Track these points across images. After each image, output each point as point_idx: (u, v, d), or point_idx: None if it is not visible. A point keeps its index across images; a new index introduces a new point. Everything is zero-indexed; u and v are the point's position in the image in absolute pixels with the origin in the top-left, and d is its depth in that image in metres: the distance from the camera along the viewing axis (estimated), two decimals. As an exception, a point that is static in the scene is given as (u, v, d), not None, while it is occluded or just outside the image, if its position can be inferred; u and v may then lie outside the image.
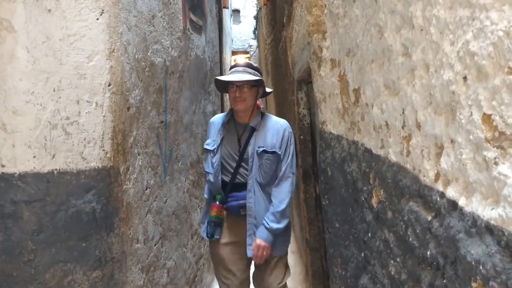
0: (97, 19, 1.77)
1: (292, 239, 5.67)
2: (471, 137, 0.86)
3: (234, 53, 16.12)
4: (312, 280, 3.69)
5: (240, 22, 18.19)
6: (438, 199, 1.04)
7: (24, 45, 1.64)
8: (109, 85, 1.82)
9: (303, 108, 3.72)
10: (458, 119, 0.91)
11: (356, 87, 1.75)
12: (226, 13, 9.25)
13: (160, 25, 2.57)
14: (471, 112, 0.86)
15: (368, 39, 1.55)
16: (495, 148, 0.79)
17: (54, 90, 1.69)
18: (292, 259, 5.17)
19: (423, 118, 1.11)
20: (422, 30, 1.09)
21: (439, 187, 1.04)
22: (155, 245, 2.42)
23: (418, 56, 1.12)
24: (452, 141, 0.96)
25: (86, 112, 1.76)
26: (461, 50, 0.88)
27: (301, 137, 3.78)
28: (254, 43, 16.04)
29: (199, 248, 3.82)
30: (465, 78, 0.88)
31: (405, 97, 1.24)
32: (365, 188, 1.71)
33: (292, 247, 5.51)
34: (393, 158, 1.38)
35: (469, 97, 0.86)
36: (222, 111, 6.59)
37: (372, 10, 1.48)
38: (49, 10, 1.68)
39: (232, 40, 15.58)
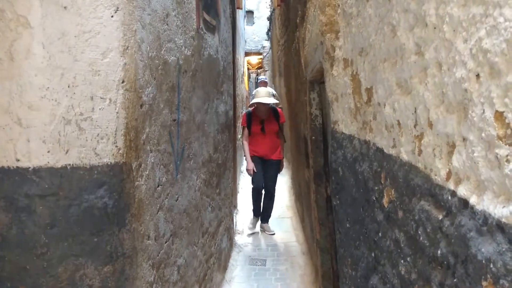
0: (112, 16, 1.79)
1: (302, 240, 5.68)
2: (483, 134, 0.86)
3: (247, 54, 16.19)
4: (322, 281, 3.67)
5: (253, 23, 18.24)
6: (449, 197, 1.04)
7: (40, 41, 1.66)
8: (123, 82, 1.84)
9: (315, 109, 3.72)
10: (470, 117, 0.91)
11: (369, 87, 1.75)
12: (240, 14, 9.27)
13: (173, 24, 2.59)
14: (483, 110, 0.85)
15: (381, 38, 1.55)
16: (507, 145, 0.78)
17: (68, 86, 1.71)
18: (302, 260, 5.17)
19: (435, 116, 1.11)
20: (435, 28, 1.09)
21: (451, 185, 1.04)
22: (165, 242, 2.44)
23: (431, 54, 1.12)
24: (464, 139, 0.96)
25: (99, 108, 1.77)
26: (474, 47, 0.88)
27: (313, 137, 3.78)
28: (267, 44, 16.08)
29: (209, 247, 3.84)
30: (477, 75, 0.88)
31: (417, 96, 1.23)
32: (376, 188, 1.70)
33: (302, 248, 5.51)
34: (404, 157, 1.37)
35: (482, 94, 0.86)
36: (234, 112, 6.51)
37: (385, 9, 1.48)
38: (65, 7, 1.70)
39: (246, 41, 15.63)
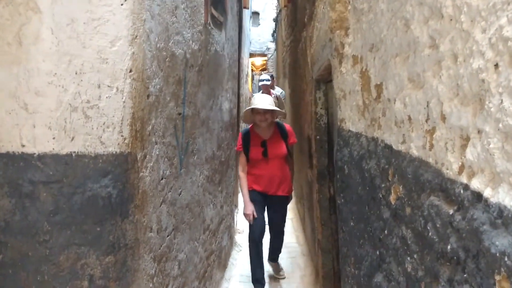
0: (122, 4, 1.78)
1: (302, 241, 5.65)
2: (500, 125, 0.84)
3: (251, 55, 16.19)
4: (323, 282, 3.65)
5: (259, 24, 18.26)
6: (462, 191, 1.02)
7: (49, 26, 1.65)
8: (131, 71, 1.83)
9: (321, 108, 3.70)
10: (487, 108, 0.89)
11: (379, 83, 1.73)
12: (246, 14, 9.26)
13: (182, 17, 2.58)
14: (502, 100, 0.84)
15: (393, 33, 1.53)
16: (526, 135, 0.77)
17: (76, 73, 1.70)
18: (302, 261, 5.15)
19: (449, 109, 1.09)
20: (451, 19, 1.07)
21: (463, 179, 1.02)
22: (167, 236, 2.42)
23: (446, 46, 1.10)
24: (479, 132, 0.94)
25: (106, 97, 1.76)
26: (493, 36, 0.86)
27: (317, 137, 3.77)
28: (272, 46, 16.10)
29: (210, 244, 3.82)
30: (496, 65, 0.86)
31: (430, 90, 1.22)
32: (383, 185, 1.69)
33: (302, 249, 5.48)
34: (414, 152, 1.36)
35: (500, 84, 0.84)
36: (238, 110, 6.44)
37: (399, 3, 1.46)
38: (75, -7, 1.69)
39: (250, 42, 15.62)
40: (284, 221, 4.50)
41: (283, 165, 4.21)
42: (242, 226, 6.38)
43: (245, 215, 4.13)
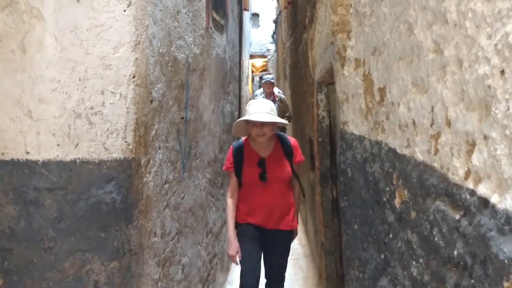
0: (124, 10, 1.78)
1: (305, 242, 5.64)
2: (507, 132, 0.84)
3: (252, 56, 16.19)
4: (326, 284, 3.65)
5: (259, 26, 18.26)
6: (468, 197, 1.02)
7: (52, 33, 1.66)
8: (134, 77, 1.83)
9: (323, 110, 3.70)
10: (493, 114, 0.89)
11: (382, 86, 1.73)
12: (246, 16, 9.26)
13: (184, 21, 2.58)
14: (508, 106, 0.84)
15: (396, 37, 1.53)
16: (533, 142, 0.77)
17: (79, 80, 1.70)
18: (305, 263, 5.14)
19: (454, 115, 1.09)
20: (456, 25, 1.07)
21: (469, 184, 1.02)
22: (171, 240, 2.42)
23: (450, 52, 1.10)
24: (485, 137, 0.94)
25: (110, 103, 1.77)
26: (499, 43, 0.86)
27: (320, 139, 3.76)
28: (272, 47, 16.11)
29: (213, 247, 3.82)
30: (502, 71, 0.86)
31: (434, 94, 1.22)
32: (387, 189, 1.68)
33: (305, 251, 5.48)
34: (419, 157, 1.36)
35: (507, 90, 0.84)
36: (239, 112, 6.42)
37: (402, 8, 1.46)
38: (78, 0, 1.70)
39: (250, 43, 15.63)
40: (285, 268, 3.21)
41: (285, 192, 3.08)
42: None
43: (229, 255, 3.02)
